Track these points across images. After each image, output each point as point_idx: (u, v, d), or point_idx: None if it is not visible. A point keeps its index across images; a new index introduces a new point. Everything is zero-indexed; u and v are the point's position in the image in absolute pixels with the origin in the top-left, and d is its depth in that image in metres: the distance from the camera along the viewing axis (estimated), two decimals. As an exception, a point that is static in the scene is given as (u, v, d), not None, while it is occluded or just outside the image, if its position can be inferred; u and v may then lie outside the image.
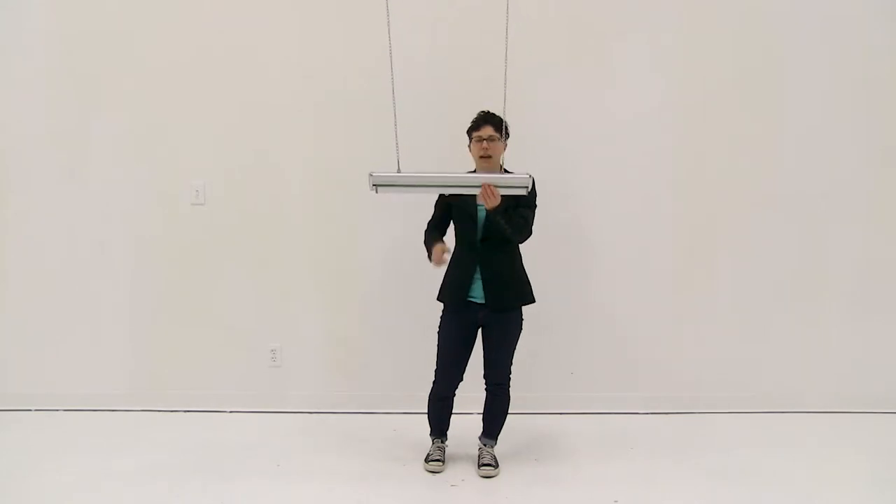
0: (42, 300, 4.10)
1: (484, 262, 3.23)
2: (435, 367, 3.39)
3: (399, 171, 3.03)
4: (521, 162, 3.93)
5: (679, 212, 4.06)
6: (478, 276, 3.24)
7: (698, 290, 4.10)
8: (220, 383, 4.12)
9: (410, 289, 4.03)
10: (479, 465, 3.35)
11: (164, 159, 4.03)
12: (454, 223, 3.34)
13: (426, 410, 3.46)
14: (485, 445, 3.42)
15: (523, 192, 2.99)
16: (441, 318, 3.37)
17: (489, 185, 2.94)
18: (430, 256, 3.22)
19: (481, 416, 3.45)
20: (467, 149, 3.32)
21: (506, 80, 3.02)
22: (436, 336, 3.39)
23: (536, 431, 3.85)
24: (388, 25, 3.00)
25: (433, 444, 3.49)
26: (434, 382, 3.40)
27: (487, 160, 3.22)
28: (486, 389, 3.41)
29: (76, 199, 4.05)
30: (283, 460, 3.46)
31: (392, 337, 4.08)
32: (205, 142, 4.02)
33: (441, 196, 3.35)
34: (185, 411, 4.08)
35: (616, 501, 3.08)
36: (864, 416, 4.05)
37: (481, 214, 3.21)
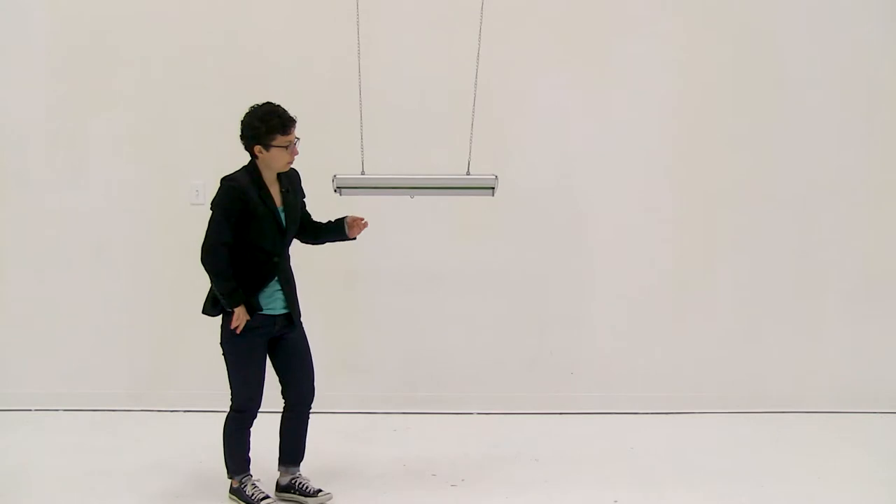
0: (42, 300, 4.09)
1: (281, 272, 2.96)
2: (238, 389, 2.96)
3: (363, 173, 3.00)
4: (521, 162, 3.94)
5: (679, 211, 4.06)
6: (277, 287, 2.93)
7: (698, 290, 4.09)
8: (220, 383, 4.09)
9: (410, 289, 4.03)
10: (312, 494, 3.02)
11: (164, 159, 4.03)
12: (252, 234, 2.87)
13: (229, 440, 3.00)
14: (301, 474, 3.10)
15: (489, 193, 2.97)
16: (236, 337, 2.89)
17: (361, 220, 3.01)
18: (228, 303, 2.85)
19: (279, 441, 3.09)
20: (257, 152, 2.86)
21: (476, 79, 2.99)
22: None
23: (536, 431, 3.84)
24: (358, 26, 2.99)
25: (244, 480, 3.01)
26: (241, 410, 2.96)
27: (289, 166, 2.92)
28: (289, 411, 3.07)
29: (76, 199, 4.05)
30: (283, 460, 3.45)
31: (392, 337, 4.07)
32: (205, 142, 4.01)
33: (236, 205, 2.84)
34: (185, 411, 4.07)
35: (616, 501, 3.08)
36: (864, 416, 4.04)
37: (285, 224, 2.95)
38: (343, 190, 2.95)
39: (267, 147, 2.84)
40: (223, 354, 2.97)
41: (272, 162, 2.88)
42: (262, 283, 2.92)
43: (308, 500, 3.05)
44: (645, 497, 3.12)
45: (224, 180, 2.89)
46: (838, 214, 4.08)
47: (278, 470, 3.10)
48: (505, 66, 3.90)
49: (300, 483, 3.09)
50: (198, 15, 3.97)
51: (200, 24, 3.97)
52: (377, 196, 3.05)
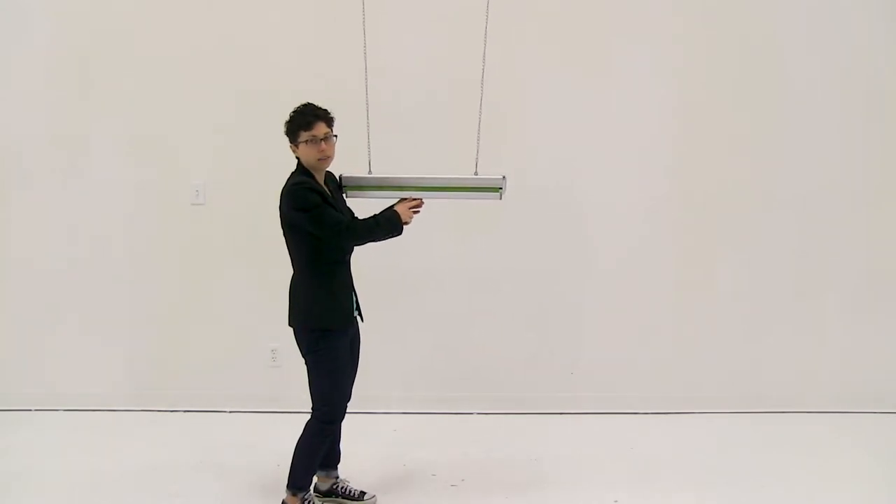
0: (42, 300, 4.09)
1: (350, 272, 2.98)
2: (328, 398, 2.89)
3: (370, 172, 3.03)
4: (522, 162, 3.94)
5: (679, 211, 4.06)
6: (349, 286, 2.96)
7: (698, 290, 4.10)
8: (220, 383, 4.11)
9: (410, 289, 4.04)
10: (358, 497, 3.07)
11: (164, 159, 4.03)
12: None
13: (311, 454, 2.94)
14: (341, 477, 3.14)
15: (497, 196, 2.95)
16: (327, 343, 2.86)
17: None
18: (390, 227, 2.86)
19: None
20: (292, 150, 2.87)
21: (482, 80, 2.99)
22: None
23: (536, 431, 3.85)
24: (364, 24, 2.99)
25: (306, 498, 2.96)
26: (332, 421, 2.93)
27: (325, 162, 2.86)
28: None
29: (76, 199, 4.05)
30: (283, 460, 3.45)
31: (392, 337, 4.07)
32: (205, 142, 4.01)
33: (322, 194, 2.83)
34: (185, 411, 4.08)
35: (616, 501, 3.08)
36: (864, 416, 4.04)
37: None
38: (349, 189, 2.98)
39: (296, 144, 2.83)
40: (314, 365, 2.88)
41: (304, 158, 2.84)
42: (349, 281, 2.93)
43: None
44: (645, 497, 3.13)
45: (295, 185, 2.80)
46: (838, 214, 4.08)
47: (317, 476, 3.06)
48: (505, 67, 3.90)
49: (342, 487, 3.10)
50: (198, 15, 3.97)
51: (202, 24, 3.97)
52: (385, 199, 3.04)
